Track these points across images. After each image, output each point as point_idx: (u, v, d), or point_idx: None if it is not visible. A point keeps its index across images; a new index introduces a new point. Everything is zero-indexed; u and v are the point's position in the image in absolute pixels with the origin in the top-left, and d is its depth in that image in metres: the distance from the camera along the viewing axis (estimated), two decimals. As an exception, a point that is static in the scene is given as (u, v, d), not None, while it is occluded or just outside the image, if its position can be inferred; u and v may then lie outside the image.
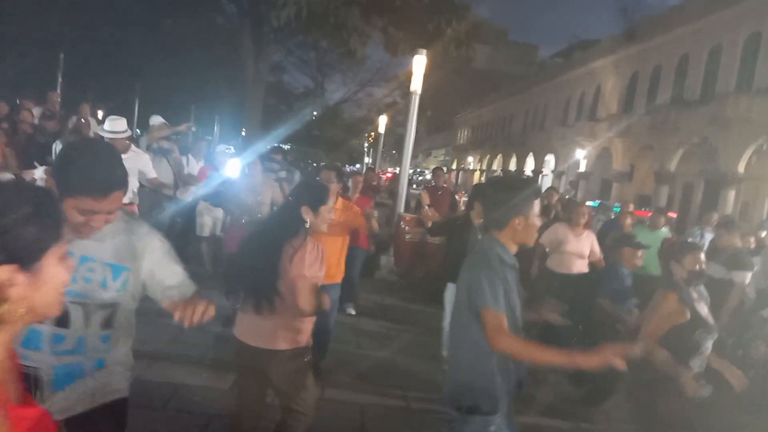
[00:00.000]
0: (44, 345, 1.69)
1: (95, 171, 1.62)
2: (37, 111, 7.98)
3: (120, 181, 1.68)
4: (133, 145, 5.61)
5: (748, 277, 5.47)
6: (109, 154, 1.73)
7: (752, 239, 6.24)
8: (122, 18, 17.15)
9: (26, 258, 0.98)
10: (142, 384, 3.92)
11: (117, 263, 1.76)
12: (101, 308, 1.75)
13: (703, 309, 3.17)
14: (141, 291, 1.88)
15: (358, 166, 33.26)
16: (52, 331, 1.69)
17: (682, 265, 3.22)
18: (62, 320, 1.68)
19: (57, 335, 1.70)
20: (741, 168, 19.87)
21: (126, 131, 5.46)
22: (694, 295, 3.21)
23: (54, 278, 1.03)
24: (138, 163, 5.52)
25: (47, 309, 1.05)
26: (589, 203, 9.73)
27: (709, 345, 3.12)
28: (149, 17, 16.99)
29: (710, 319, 3.15)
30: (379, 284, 7.71)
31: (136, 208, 5.49)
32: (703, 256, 3.28)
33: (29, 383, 1.68)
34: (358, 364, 4.91)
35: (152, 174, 5.81)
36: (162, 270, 1.87)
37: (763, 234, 7.80)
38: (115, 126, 5.36)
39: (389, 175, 20.64)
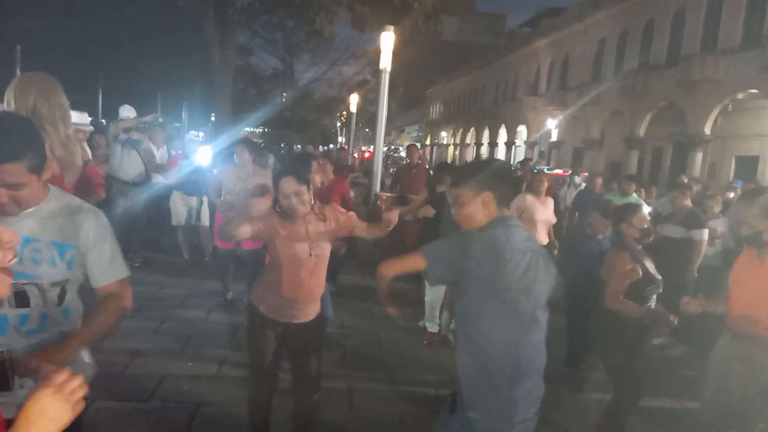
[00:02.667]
0: (10, 328, 1.73)
1: None
2: (-3, 106, 7.73)
3: (11, 153, 1.57)
4: (85, 144, 5.52)
5: (705, 234, 5.74)
6: (5, 124, 1.63)
7: (715, 203, 6.45)
8: (81, 5, 16.62)
9: None
10: (126, 377, 3.93)
11: (62, 242, 1.77)
12: (53, 285, 1.78)
13: (651, 265, 3.38)
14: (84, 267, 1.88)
15: (330, 146, 33.02)
16: (15, 313, 1.73)
17: (631, 225, 3.42)
18: (21, 301, 1.72)
19: (21, 315, 1.74)
20: (707, 129, 20.28)
21: (86, 124, 5.41)
22: (642, 252, 3.43)
23: None
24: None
25: None
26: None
27: (655, 297, 3.36)
28: (109, 3, 16.49)
29: (657, 275, 3.36)
30: (358, 263, 7.76)
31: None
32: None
33: (5, 366, 1.72)
34: (343, 343, 4.98)
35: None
36: (97, 248, 1.85)
37: (731, 195, 8.03)
38: (82, 117, 5.34)
39: (367, 155, 20.47)
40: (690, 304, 3.03)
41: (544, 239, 6.04)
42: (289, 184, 2.72)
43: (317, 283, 2.91)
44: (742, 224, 2.98)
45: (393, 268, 2.25)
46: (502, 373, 1.99)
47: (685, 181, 8.76)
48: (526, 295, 1.99)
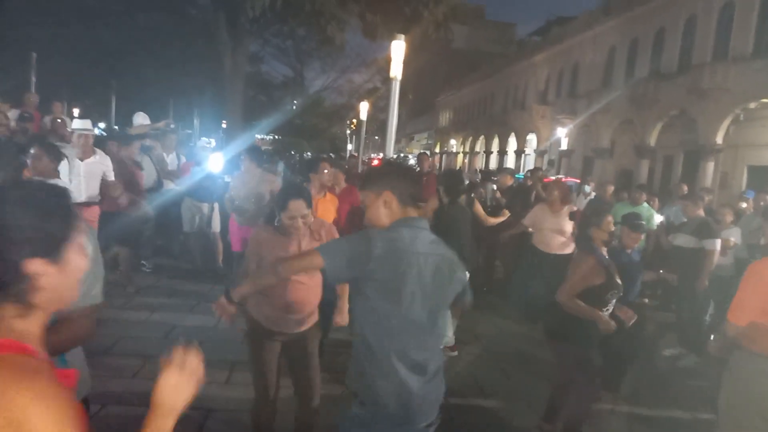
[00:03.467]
0: None
1: None
2: (13, 113, 7.86)
3: None
4: (98, 150, 5.63)
5: (717, 243, 5.71)
6: None
7: (728, 212, 6.41)
8: (95, 14, 16.84)
9: (53, 251, 1.08)
10: (136, 383, 3.96)
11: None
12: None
13: (614, 271, 3.48)
14: None
15: (341, 153, 33.11)
16: None
17: (601, 229, 3.48)
18: None
19: None
20: (719, 138, 20.12)
21: (90, 129, 5.64)
22: (607, 258, 3.53)
23: (75, 267, 1.13)
24: (102, 167, 5.60)
25: (71, 295, 1.16)
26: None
27: (613, 302, 3.48)
28: (122, 12, 16.70)
29: (619, 281, 3.47)
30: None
31: (97, 209, 5.56)
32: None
33: None
34: (347, 351, 4.97)
35: (112, 177, 5.79)
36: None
37: (744, 205, 7.98)
38: (84, 124, 5.66)
39: (375, 162, 20.55)
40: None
41: (555, 248, 6.02)
42: (298, 206, 2.79)
43: (310, 296, 2.97)
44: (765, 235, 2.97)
45: (291, 267, 2.14)
46: (394, 374, 1.96)
47: (686, 190, 8.72)
48: (424, 299, 1.98)
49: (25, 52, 13.93)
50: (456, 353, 5.09)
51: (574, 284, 3.39)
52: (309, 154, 24.41)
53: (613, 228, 3.59)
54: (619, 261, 4.65)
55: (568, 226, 6.05)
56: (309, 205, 2.83)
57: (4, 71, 16.33)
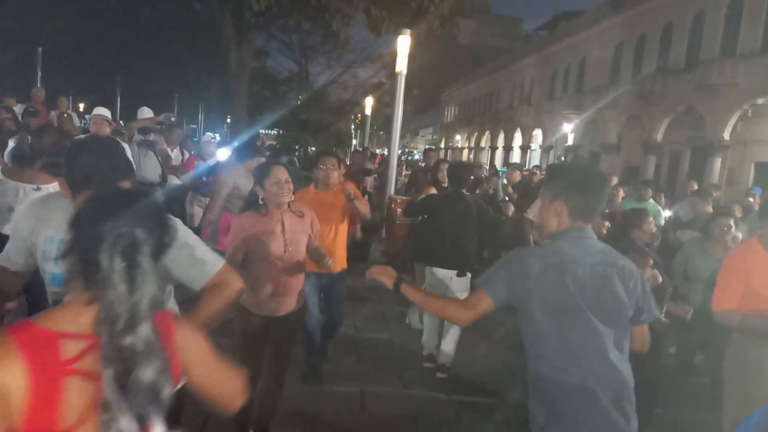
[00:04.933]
0: None
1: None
2: (19, 108, 7.88)
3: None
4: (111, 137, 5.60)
5: None
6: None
7: (737, 208, 6.35)
8: (100, 9, 16.84)
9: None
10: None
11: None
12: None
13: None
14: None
15: (349, 149, 32.99)
16: None
17: (642, 231, 3.42)
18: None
19: None
20: (726, 135, 19.97)
21: (110, 119, 5.64)
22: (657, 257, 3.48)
23: None
24: None
25: None
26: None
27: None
28: (127, 7, 16.69)
29: (669, 278, 3.48)
30: (370, 266, 7.74)
31: None
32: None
33: None
34: (356, 346, 4.97)
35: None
36: (182, 252, 1.92)
37: (751, 200, 7.91)
38: (102, 111, 5.66)
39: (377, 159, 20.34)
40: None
41: None
42: (280, 171, 2.90)
43: (294, 278, 3.01)
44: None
45: (467, 317, 1.95)
46: (578, 399, 1.81)
47: (695, 187, 8.62)
48: (598, 313, 1.84)
49: (31, 47, 13.97)
50: (444, 375, 4.53)
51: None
52: (313, 149, 24.38)
53: (654, 229, 3.55)
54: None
55: None
56: (292, 174, 2.93)
57: (11, 67, 16.37)
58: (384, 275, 2.18)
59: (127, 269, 1.14)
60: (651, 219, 3.59)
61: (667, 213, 7.34)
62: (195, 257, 1.92)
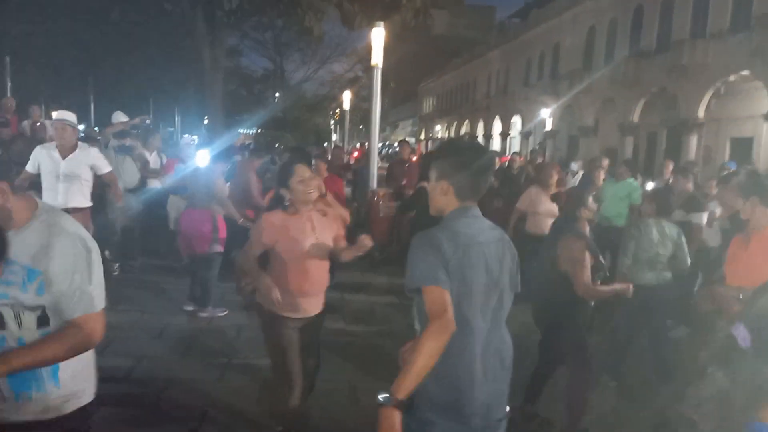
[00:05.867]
0: None
1: None
2: (-11, 118, 7.71)
3: None
4: (80, 142, 5.29)
5: (704, 218, 5.76)
6: None
7: (713, 183, 6.46)
8: (69, 11, 16.50)
9: None
10: (131, 382, 3.93)
11: (31, 266, 1.69)
12: (30, 309, 1.71)
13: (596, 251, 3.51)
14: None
15: (325, 144, 32.81)
16: None
17: (588, 209, 3.51)
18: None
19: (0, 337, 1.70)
20: (701, 113, 20.28)
21: (72, 122, 5.24)
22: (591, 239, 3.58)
23: None
24: (87, 159, 5.18)
25: None
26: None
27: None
28: (97, 9, 16.39)
29: (601, 260, 3.54)
30: (357, 261, 7.76)
31: (87, 213, 5.22)
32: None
33: None
34: (345, 341, 4.97)
35: (107, 169, 5.43)
36: (65, 278, 1.71)
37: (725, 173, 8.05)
38: (64, 114, 5.23)
39: (356, 154, 19.95)
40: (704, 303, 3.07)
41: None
42: (304, 169, 2.88)
43: (323, 276, 3.00)
44: (720, 206, 3.07)
45: (446, 322, 1.73)
46: (468, 372, 1.86)
47: (671, 167, 8.67)
48: (496, 289, 1.92)
49: (-2, 55, 13.64)
50: None
51: (584, 273, 3.34)
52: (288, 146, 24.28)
53: (595, 207, 3.61)
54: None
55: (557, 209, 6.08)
56: (312, 170, 2.94)
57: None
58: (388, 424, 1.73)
59: None
60: (591, 197, 3.61)
61: (650, 185, 7.43)
62: (85, 286, 1.73)
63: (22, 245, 1.68)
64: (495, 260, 1.91)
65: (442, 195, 1.95)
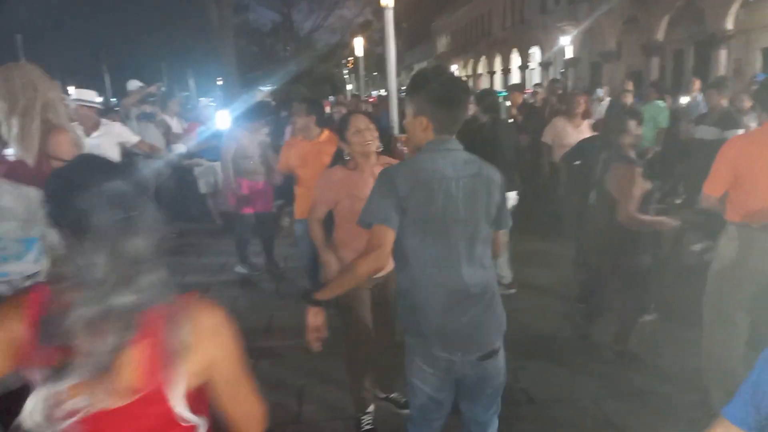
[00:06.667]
0: None
1: None
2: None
3: None
4: (102, 119, 5.19)
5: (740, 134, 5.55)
6: None
7: (745, 97, 6.18)
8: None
9: None
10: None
11: (26, 236, 1.77)
12: (27, 279, 1.79)
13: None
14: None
15: (331, 98, 32.47)
16: None
17: (629, 134, 3.40)
18: None
19: None
20: (729, 24, 19.29)
21: (94, 102, 5.14)
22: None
23: None
24: (114, 137, 5.12)
25: None
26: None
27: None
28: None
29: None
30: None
31: None
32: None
33: None
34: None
35: (135, 138, 5.38)
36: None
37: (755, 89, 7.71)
38: (83, 94, 5.11)
39: (370, 100, 19.63)
40: None
41: None
42: (361, 119, 2.76)
43: None
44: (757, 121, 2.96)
45: (366, 260, 1.85)
46: (426, 302, 1.91)
47: (698, 85, 8.34)
48: (458, 225, 1.88)
49: (9, 36, 13.68)
50: (514, 291, 4.86)
51: (631, 200, 3.26)
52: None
53: (640, 131, 3.49)
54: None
55: None
56: (373, 122, 2.78)
57: (-7, 57, 16.05)
58: (310, 318, 1.96)
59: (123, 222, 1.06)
60: (634, 121, 3.47)
61: (684, 99, 7.17)
62: None
63: (3, 223, 1.77)
64: (463, 195, 1.88)
65: (421, 131, 1.93)
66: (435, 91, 1.89)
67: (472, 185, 1.91)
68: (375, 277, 2.76)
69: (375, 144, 2.76)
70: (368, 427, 3.04)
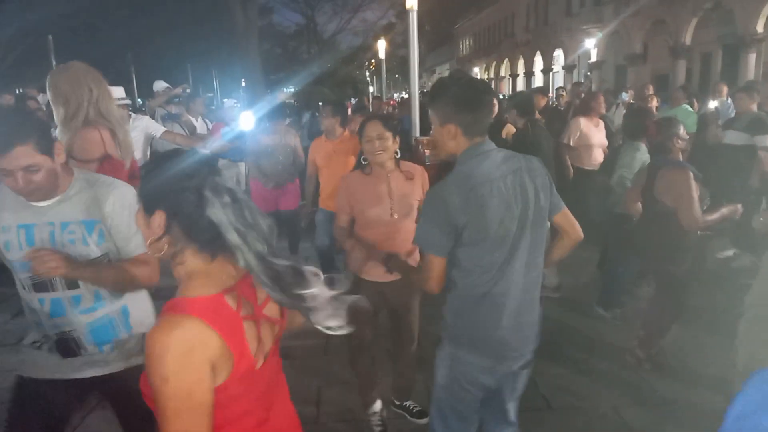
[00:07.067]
0: (68, 308, 1.85)
1: None
2: (42, 98, 8.00)
3: (20, 135, 1.65)
4: (132, 114, 5.28)
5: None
6: (5, 112, 1.79)
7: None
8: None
9: None
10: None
11: (88, 218, 1.84)
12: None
13: None
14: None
15: (354, 100, 32.57)
16: (68, 295, 1.85)
17: (680, 138, 3.37)
18: (71, 282, 1.83)
19: (74, 297, 1.86)
20: (760, 27, 18.87)
21: (125, 98, 5.32)
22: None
23: None
24: (143, 129, 5.19)
25: None
26: None
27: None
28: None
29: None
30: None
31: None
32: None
33: (71, 346, 1.88)
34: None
35: (161, 129, 5.36)
36: (122, 221, 1.87)
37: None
38: (113, 92, 5.25)
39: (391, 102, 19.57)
40: None
41: (599, 165, 5.81)
42: (374, 127, 2.71)
43: (405, 243, 2.75)
44: None
45: (424, 282, 1.91)
46: (495, 312, 1.87)
47: (725, 91, 8.19)
48: (516, 221, 1.85)
49: (41, 36, 14.03)
50: (558, 295, 4.82)
51: (693, 206, 3.22)
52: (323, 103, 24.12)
53: (687, 135, 3.49)
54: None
55: (605, 141, 5.85)
56: (387, 127, 2.71)
57: (25, 57, 16.50)
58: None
59: (232, 206, 1.17)
60: (682, 126, 3.48)
61: (713, 104, 7.07)
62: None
63: (73, 204, 1.84)
64: (513, 193, 1.84)
65: (451, 139, 1.89)
66: (457, 96, 1.86)
67: (519, 180, 1.87)
68: (387, 281, 2.77)
69: (387, 154, 2.72)
70: (378, 429, 3.05)
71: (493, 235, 1.82)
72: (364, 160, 2.78)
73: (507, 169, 1.87)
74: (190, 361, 1.08)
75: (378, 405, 3.10)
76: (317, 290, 1.22)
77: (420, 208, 2.72)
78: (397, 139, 2.78)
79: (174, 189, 1.18)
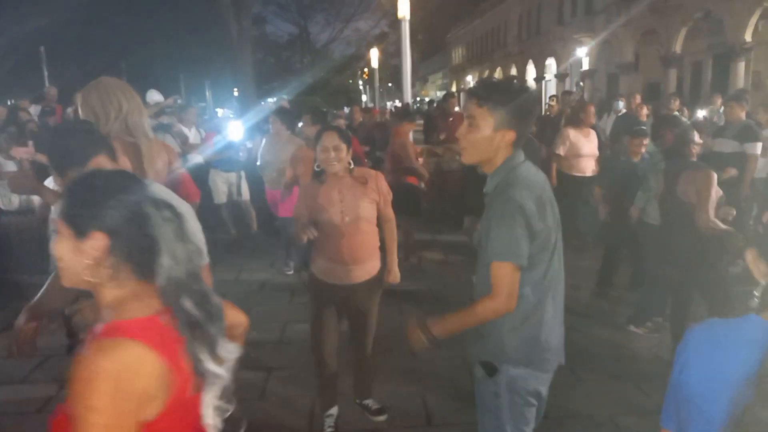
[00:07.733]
0: None
1: None
2: (34, 109, 7.96)
3: (96, 147, 1.88)
4: None
5: (758, 147, 5.47)
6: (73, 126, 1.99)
7: (763, 110, 6.11)
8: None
9: None
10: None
11: None
12: None
13: None
14: None
15: (347, 109, 32.69)
16: None
17: (696, 144, 3.46)
18: None
19: None
20: (748, 36, 19.09)
21: (161, 101, 5.52)
22: None
23: None
24: None
25: None
26: None
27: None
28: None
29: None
30: (405, 220, 7.77)
31: None
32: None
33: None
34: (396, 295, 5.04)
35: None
36: None
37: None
38: (153, 96, 5.49)
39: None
40: None
41: (590, 173, 5.87)
42: (329, 138, 2.80)
43: (360, 247, 2.88)
44: None
45: (503, 293, 1.75)
46: (544, 322, 1.85)
47: (719, 101, 8.28)
48: (558, 227, 1.87)
49: (33, 47, 13.99)
50: None
51: (707, 206, 3.25)
52: (324, 110, 24.16)
53: (701, 141, 3.55)
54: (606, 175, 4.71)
55: (596, 151, 5.91)
56: (342, 138, 2.81)
57: (17, 69, 16.45)
58: (414, 341, 1.92)
59: (172, 222, 1.11)
60: (695, 132, 3.60)
61: (701, 113, 7.17)
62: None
63: None
64: (552, 200, 1.86)
65: (504, 146, 1.80)
66: (524, 105, 1.80)
67: (550, 189, 1.91)
68: (345, 284, 2.87)
69: (341, 165, 2.81)
70: (329, 430, 3.11)
71: (550, 241, 1.82)
72: (318, 167, 2.87)
73: (544, 179, 1.91)
74: (121, 392, 1.00)
75: (335, 410, 3.17)
76: (221, 371, 1.17)
77: (379, 205, 2.91)
78: (351, 150, 2.88)
79: (112, 206, 1.08)
